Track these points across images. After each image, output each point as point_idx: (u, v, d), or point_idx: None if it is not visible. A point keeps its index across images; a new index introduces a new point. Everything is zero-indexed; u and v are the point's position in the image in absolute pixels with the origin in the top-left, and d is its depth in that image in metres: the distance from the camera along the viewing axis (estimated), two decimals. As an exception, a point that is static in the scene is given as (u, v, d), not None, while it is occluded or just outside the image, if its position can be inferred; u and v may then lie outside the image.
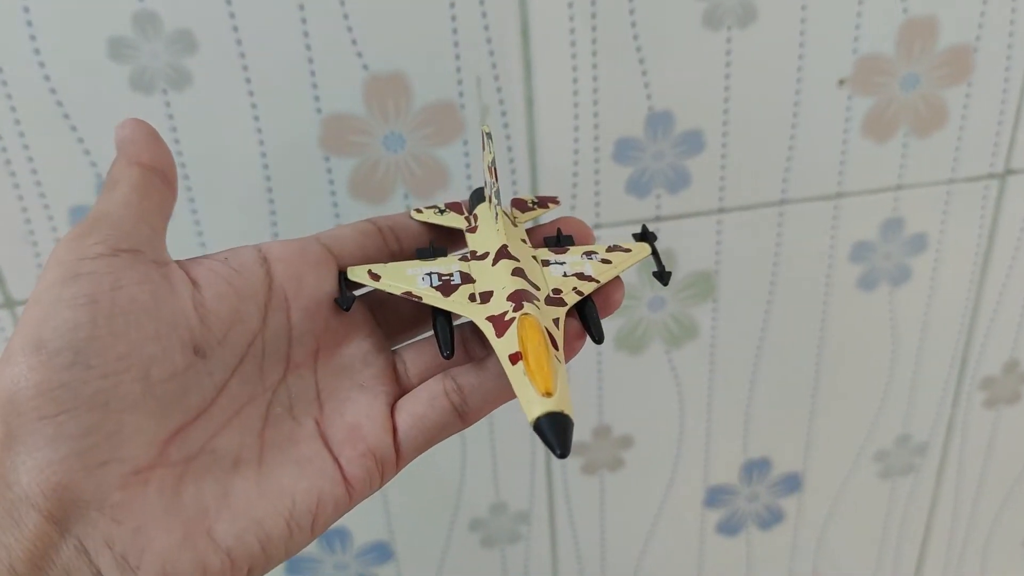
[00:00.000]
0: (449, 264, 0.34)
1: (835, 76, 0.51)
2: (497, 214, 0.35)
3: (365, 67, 0.47)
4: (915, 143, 0.54)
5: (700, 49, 0.49)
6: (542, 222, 0.38)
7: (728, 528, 0.66)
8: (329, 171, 0.49)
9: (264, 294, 0.32)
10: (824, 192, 0.55)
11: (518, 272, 0.33)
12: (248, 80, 0.46)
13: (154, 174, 0.31)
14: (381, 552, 0.62)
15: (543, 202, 0.41)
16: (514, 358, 0.29)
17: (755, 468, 0.64)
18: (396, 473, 0.32)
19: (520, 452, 0.59)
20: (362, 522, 0.60)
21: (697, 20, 0.48)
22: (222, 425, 0.30)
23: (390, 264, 0.34)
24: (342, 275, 0.34)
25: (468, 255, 0.35)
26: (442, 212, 0.38)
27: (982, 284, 0.60)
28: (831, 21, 0.50)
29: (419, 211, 0.37)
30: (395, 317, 0.36)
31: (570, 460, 0.60)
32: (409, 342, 0.35)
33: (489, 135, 0.35)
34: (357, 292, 0.34)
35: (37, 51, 0.44)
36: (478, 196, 0.38)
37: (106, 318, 0.27)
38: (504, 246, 0.34)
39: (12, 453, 0.26)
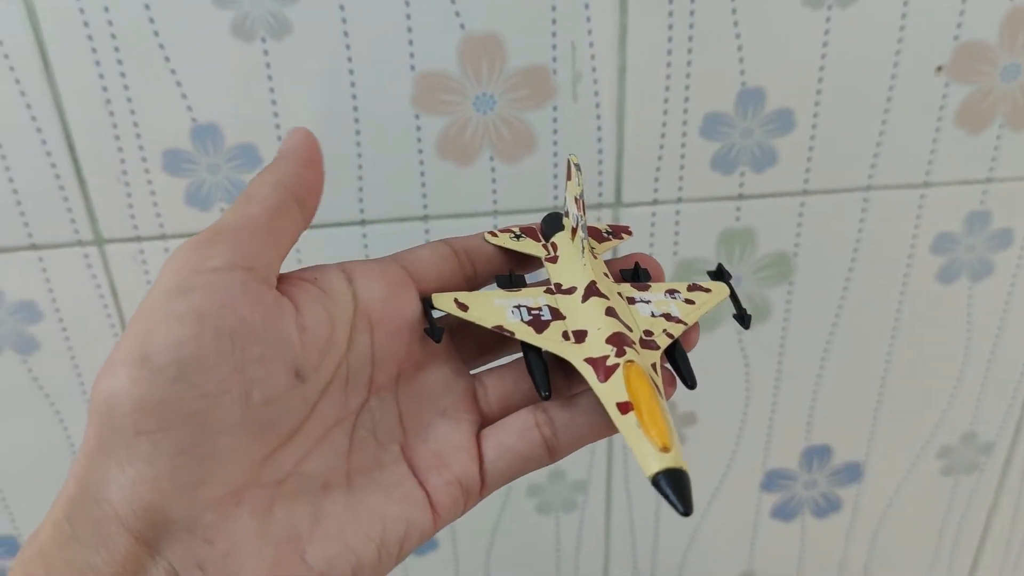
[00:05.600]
0: (536, 297, 0.34)
1: (933, 62, 0.50)
2: (583, 248, 0.35)
3: (462, 26, 0.47)
4: (1009, 136, 0.53)
5: (798, 27, 0.49)
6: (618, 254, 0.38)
7: (784, 513, 0.66)
8: (418, 128, 0.49)
9: (351, 317, 0.31)
10: (911, 180, 0.54)
11: (611, 312, 0.32)
12: (346, 33, 0.47)
13: (293, 200, 0.30)
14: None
15: (617, 232, 0.40)
16: (623, 407, 0.29)
17: (816, 455, 0.64)
18: (479, 502, 0.32)
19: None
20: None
21: (798, -3, 0.48)
22: (311, 448, 0.29)
23: (476, 293, 0.34)
24: (427, 303, 0.33)
25: (553, 287, 0.35)
26: (518, 237, 0.37)
27: (1063, 285, 0.59)
28: (933, 5, 0.49)
29: (494, 235, 0.37)
30: (472, 343, 0.35)
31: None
32: (488, 367, 0.35)
33: (578, 166, 0.35)
34: (436, 316, 0.33)
35: (144, -8, 0.45)
36: (553, 223, 0.38)
37: (213, 337, 0.26)
38: (593, 282, 0.34)
39: (103, 468, 0.25)
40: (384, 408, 0.32)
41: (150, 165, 0.50)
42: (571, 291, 0.34)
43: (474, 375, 0.34)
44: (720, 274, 0.37)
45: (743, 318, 0.35)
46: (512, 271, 0.36)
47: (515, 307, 0.33)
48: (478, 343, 0.35)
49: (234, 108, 0.48)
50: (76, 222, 0.51)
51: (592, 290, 0.33)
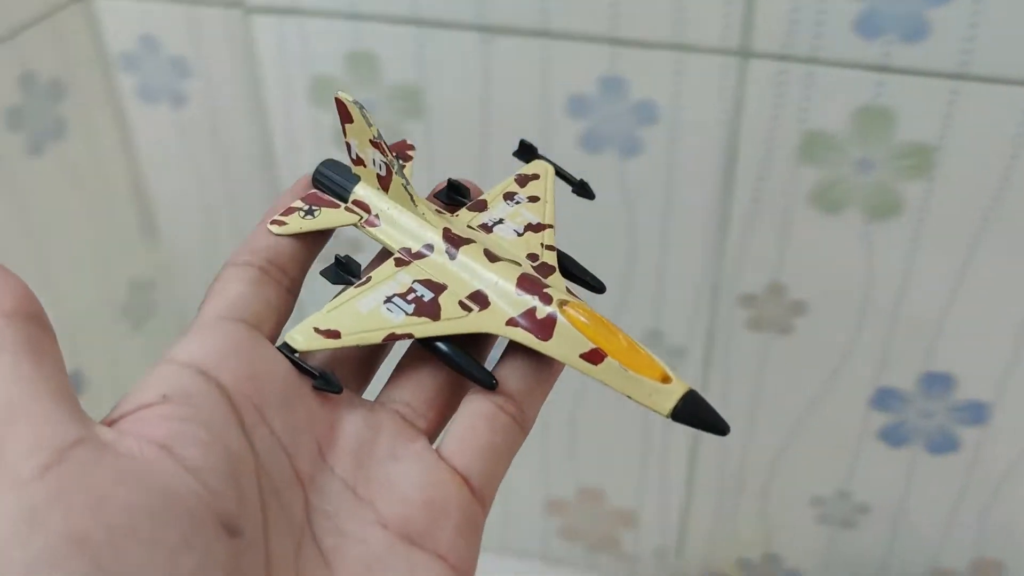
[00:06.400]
0: (394, 276, 0.28)
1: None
2: (413, 195, 0.29)
3: None
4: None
5: None
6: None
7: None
8: None
9: (234, 417, 0.24)
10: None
11: (491, 255, 0.28)
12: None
13: (28, 322, 0.22)
14: (976, 412, 0.56)
15: (403, 154, 0.34)
16: (593, 357, 0.26)
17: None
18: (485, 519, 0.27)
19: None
20: (971, 371, 0.55)
21: None
22: None
23: (333, 310, 0.27)
24: (286, 350, 0.26)
25: (400, 255, 0.29)
26: (310, 212, 0.30)
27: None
28: None
29: (279, 223, 0.29)
30: (347, 369, 0.29)
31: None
32: (395, 387, 0.29)
33: (356, 103, 0.28)
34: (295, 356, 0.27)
35: None
36: (340, 177, 0.31)
37: (112, 554, 0.19)
38: (447, 229, 0.29)
39: None
40: (331, 496, 0.25)
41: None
42: (428, 251, 0.29)
43: (379, 399, 0.28)
44: (527, 151, 0.34)
45: (584, 188, 0.33)
46: (338, 256, 0.29)
47: (386, 303, 0.27)
48: (353, 366, 0.29)
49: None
50: (728, 28, 0.47)
51: (452, 239, 0.29)
